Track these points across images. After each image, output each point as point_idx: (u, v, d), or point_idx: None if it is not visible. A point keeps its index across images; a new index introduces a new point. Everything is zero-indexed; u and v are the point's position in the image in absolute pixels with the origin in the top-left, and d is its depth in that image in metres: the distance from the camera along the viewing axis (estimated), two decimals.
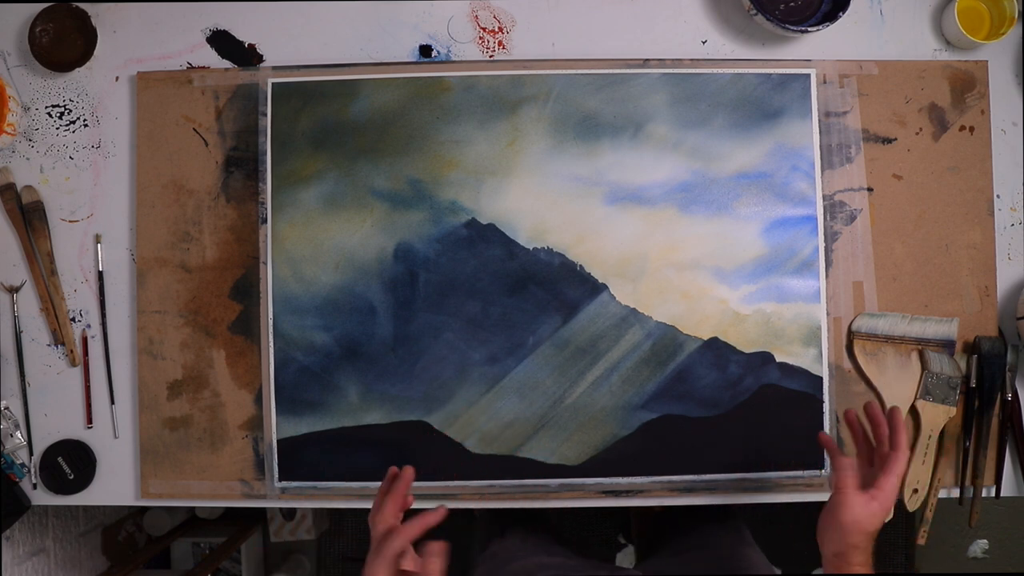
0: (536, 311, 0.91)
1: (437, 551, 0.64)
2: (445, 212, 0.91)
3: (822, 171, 0.92)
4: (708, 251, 0.91)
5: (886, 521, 0.72)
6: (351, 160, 0.92)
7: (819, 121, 0.92)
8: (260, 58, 0.96)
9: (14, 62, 0.96)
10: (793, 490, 0.91)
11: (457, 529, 1.03)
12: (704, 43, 0.95)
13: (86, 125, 0.96)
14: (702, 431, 0.90)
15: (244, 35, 0.96)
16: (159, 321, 0.93)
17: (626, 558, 1.74)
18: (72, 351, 0.94)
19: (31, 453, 0.94)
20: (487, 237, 0.91)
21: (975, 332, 0.92)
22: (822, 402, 0.91)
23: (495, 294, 0.91)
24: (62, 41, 0.94)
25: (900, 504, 0.91)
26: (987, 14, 0.95)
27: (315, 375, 0.91)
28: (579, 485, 0.91)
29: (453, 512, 0.71)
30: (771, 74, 0.92)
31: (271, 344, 0.91)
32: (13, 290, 0.95)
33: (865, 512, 0.68)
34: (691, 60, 0.93)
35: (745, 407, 0.90)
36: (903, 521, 1.71)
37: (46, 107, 0.96)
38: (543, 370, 0.91)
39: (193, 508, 1.66)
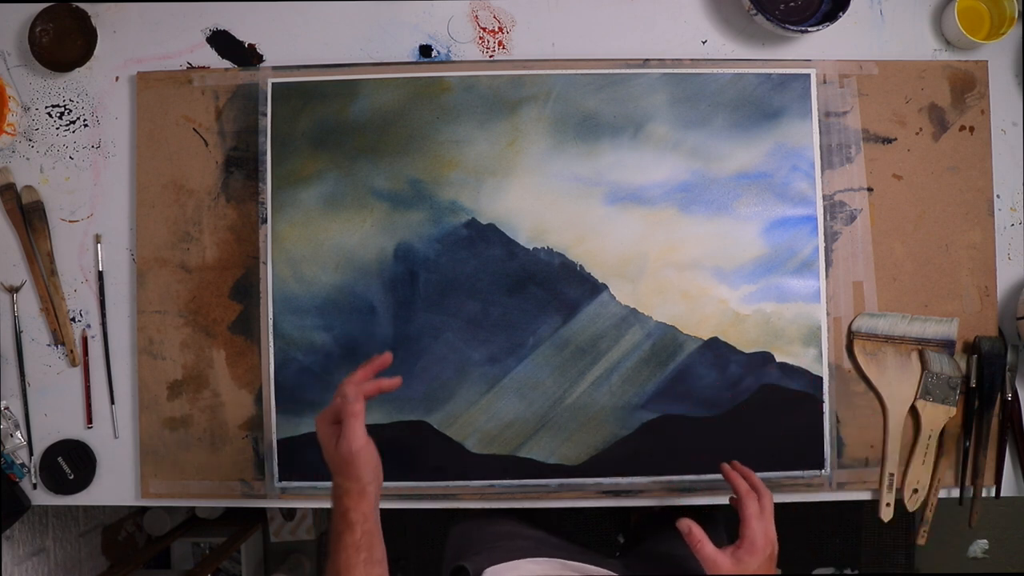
0: (536, 311, 0.91)
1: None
2: (445, 212, 0.91)
3: (822, 171, 0.92)
4: (708, 251, 0.91)
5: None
6: (351, 160, 0.92)
7: (819, 121, 0.92)
8: (260, 58, 0.96)
9: (14, 62, 0.96)
10: (793, 490, 0.91)
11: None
12: (704, 43, 0.95)
13: (86, 125, 0.96)
14: (702, 431, 0.90)
15: (244, 35, 0.96)
16: (159, 321, 0.93)
17: None
18: (72, 351, 0.94)
19: (31, 453, 0.94)
20: (487, 237, 0.91)
21: (975, 332, 0.92)
22: (822, 402, 0.91)
23: (495, 294, 0.91)
24: (62, 41, 0.94)
25: (900, 504, 0.91)
26: (987, 14, 0.95)
27: (315, 375, 0.91)
28: (579, 485, 0.91)
29: None
30: (771, 74, 0.92)
31: (271, 344, 0.91)
32: (13, 290, 0.95)
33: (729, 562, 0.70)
34: (691, 60, 0.93)
35: (745, 407, 0.90)
36: (903, 521, 1.71)
37: (46, 107, 0.96)
38: (543, 370, 0.91)
39: (193, 508, 1.65)
